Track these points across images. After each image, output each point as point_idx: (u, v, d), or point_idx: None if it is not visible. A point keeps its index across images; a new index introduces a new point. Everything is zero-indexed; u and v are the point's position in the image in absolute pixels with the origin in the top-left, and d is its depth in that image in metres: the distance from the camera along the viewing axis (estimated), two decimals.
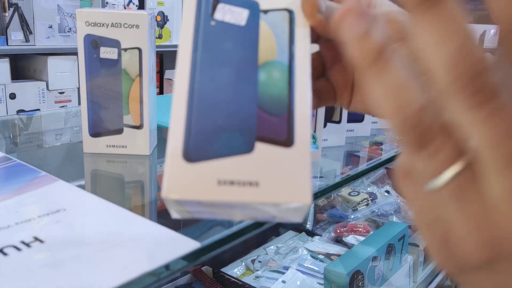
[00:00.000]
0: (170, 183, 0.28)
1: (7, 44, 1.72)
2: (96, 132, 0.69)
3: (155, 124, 0.73)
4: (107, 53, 0.66)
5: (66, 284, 0.37)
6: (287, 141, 0.29)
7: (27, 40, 1.77)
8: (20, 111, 1.74)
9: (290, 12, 0.33)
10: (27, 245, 0.42)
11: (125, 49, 0.66)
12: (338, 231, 1.21)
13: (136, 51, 0.66)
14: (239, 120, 0.29)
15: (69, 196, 0.54)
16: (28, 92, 1.77)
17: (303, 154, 0.29)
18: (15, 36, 1.73)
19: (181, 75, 0.30)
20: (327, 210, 1.32)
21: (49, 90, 1.83)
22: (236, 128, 0.29)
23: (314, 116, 0.67)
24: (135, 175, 0.67)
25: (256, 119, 0.30)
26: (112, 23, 0.65)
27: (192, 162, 0.28)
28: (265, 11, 0.33)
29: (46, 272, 0.38)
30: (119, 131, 0.69)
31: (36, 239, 0.43)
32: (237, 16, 0.32)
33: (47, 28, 1.80)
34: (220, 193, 0.28)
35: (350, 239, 1.17)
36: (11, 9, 1.70)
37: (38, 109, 1.80)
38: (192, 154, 0.28)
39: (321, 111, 0.68)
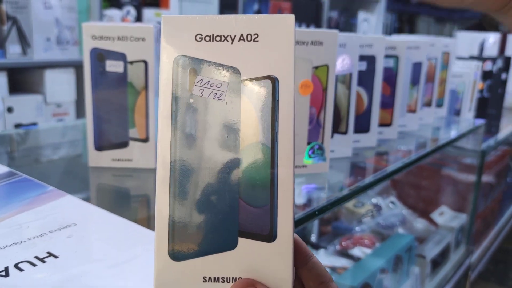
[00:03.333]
0: (159, 281, 0.30)
1: (5, 57, 1.71)
2: (101, 145, 0.68)
3: None
4: (113, 66, 0.66)
5: None
6: (269, 235, 0.30)
7: (24, 53, 1.76)
8: (17, 125, 1.73)
9: (274, 80, 0.30)
10: (42, 260, 0.41)
11: (131, 62, 0.66)
12: (343, 243, 1.20)
13: (142, 64, 0.66)
14: (222, 217, 0.30)
15: (78, 210, 0.53)
16: (26, 106, 1.76)
17: (285, 250, 0.30)
18: (13, 49, 1.72)
19: (162, 169, 0.30)
20: (331, 222, 1.32)
21: (46, 103, 1.82)
22: (219, 226, 0.30)
23: (322, 126, 0.67)
24: (141, 189, 0.66)
25: (238, 214, 0.30)
26: (118, 37, 0.65)
27: (178, 261, 0.30)
28: (246, 81, 0.30)
29: (63, 287, 0.38)
30: (125, 145, 0.68)
31: (50, 254, 0.43)
32: (216, 90, 0.30)
33: (45, 41, 1.79)
34: None
35: (356, 251, 1.16)
36: (9, 22, 1.70)
37: (36, 123, 1.79)
38: (178, 253, 0.30)
39: (329, 122, 0.67)
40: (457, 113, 1.30)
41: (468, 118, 1.32)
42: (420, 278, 1.13)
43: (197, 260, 0.30)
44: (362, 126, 0.83)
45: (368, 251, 1.14)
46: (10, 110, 1.71)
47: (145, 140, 0.68)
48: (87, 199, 0.57)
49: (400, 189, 1.45)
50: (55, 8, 1.79)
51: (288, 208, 0.30)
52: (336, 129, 0.76)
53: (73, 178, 0.69)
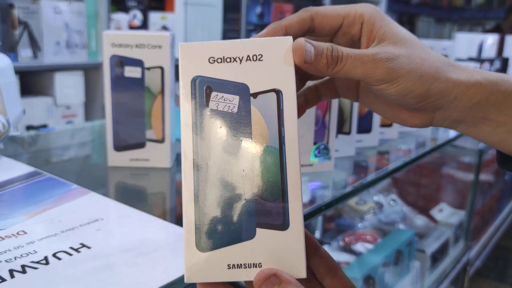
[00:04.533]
0: (189, 270, 0.34)
1: (17, 61, 1.76)
2: (120, 146, 0.72)
3: (175, 138, 0.77)
4: (131, 72, 0.70)
5: (118, 285, 0.41)
6: (283, 225, 0.34)
7: (35, 56, 1.81)
8: (29, 127, 1.78)
9: (278, 93, 0.34)
10: (77, 250, 0.46)
11: (148, 68, 0.70)
12: (346, 239, 1.25)
13: (159, 70, 0.70)
14: (241, 212, 0.34)
15: (103, 206, 0.58)
16: (36, 108, 1.81)
17: (297, 236, 0.34)
18: (24, 53, 1.77)
19: (186, 173, 0.34)
20: (334, 220, 1.36)
21: (56, 105, 1.86)
22: (238, 219, 0.34)
23: (327, 127, 0.71)
24: (158, 187, 0.70)
25: (255, 208, 0.34)
26: (136, 44, 0.69)
27: (204, 252, 0.34)
28: (255, 95, 0.35)
29: (98, 274, 0.42)
30: (142, 145, 0.73)
31: (83, 245, 0.47)
32: (229, 104, 0.34)
33: (55, 44, 1.84)
34: (230, 275, 0.34)
35: (359, 246, 1.20)
36: (21, 27, 1.74)
37: (47, 125, 1.84)
38: (204, 245, 0.34)
39: (334, 123, 0.72)
40: None
41: None
42: (420, 272, 1.17)
43: (222, 250, 0.34)
44: (365, 126, 0.88)
45: (370, 246, 1.18)
46: None
47: (161, 141, 0.72)
48: (108, 197, 0.61)
49: (401, 187, 1.49)
50: (65, 13, 1.84)
51: (297, 200, 0.34)
52: (340, 130, 0.80)
53: (94, 177, 0.73)
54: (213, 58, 0.35)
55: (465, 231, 1.39)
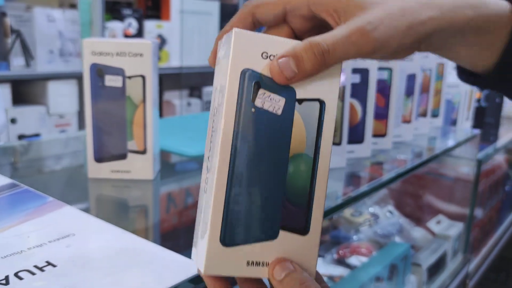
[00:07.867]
0: (209, 263, 0.34)
1: (9, 70, 1.74)
2: (100, 157, 0.70)
3: (158, 149, 0.75)
4: (112, 81, 0.68)
5: None
6: (304, 230, 0.35)
7: (28, 65, 1.79)
8: (21, 136, 1.76)
9: (321, 103, 0.35)
10: (41, 269, 0.43)
11: (130, 77, 0.68)
12: (340, 252, 1.22)
13: (140, 78, 0.68)
14: (268, 211, 0.35)
15: (77, 221, 0.55)
16: (29, 117, 1.79)
17: (314, 241, 0.35)
18: (17, 62, 1.75)
19: (223, 163, 0.33)
20: (329, 231, 1.33)
21: (49, 114, 1.84)
22: (265, 219, 0.35)
23: None
24: (139, 199, 0.68)
25: (281, 210, 0.35)
26: (117, 52, 0.67)
27: (227, 246, 0.34)
28: (300, 101, 0.34)
29: None
30: (123, 156, 0.70)
31: (49, 263, 0.44)
32: (275, 104, 0.34)
33: (48, 53, 1.82)
34: (248, 271, 0.35)
35: (353, 260, 1.17)
36: (13, 35, 1.73)
37: (39, 134, 1.82)
38: (228, 240, 0.34)
39: None
40: (454, 123, 1.31)
41: (465, 127, 1.33)
42: (416, 286, 1.14)
43: (244, 247, 0.34)
44: (357, 137, 0.85)
45: (364, 259, 1.15)
46: (13, 121, 1.74)
47: (143, 152, 0.70)
48: (86, 210, 0.58)
49: (397, 198, 1.47)
50: (58, 21, 1.82)
51: (320, 209, 0.35)
52: None
53: (73, 189, 0.71)
54: (266, 53, 0.34)
55: (464, 243, 1.36)
